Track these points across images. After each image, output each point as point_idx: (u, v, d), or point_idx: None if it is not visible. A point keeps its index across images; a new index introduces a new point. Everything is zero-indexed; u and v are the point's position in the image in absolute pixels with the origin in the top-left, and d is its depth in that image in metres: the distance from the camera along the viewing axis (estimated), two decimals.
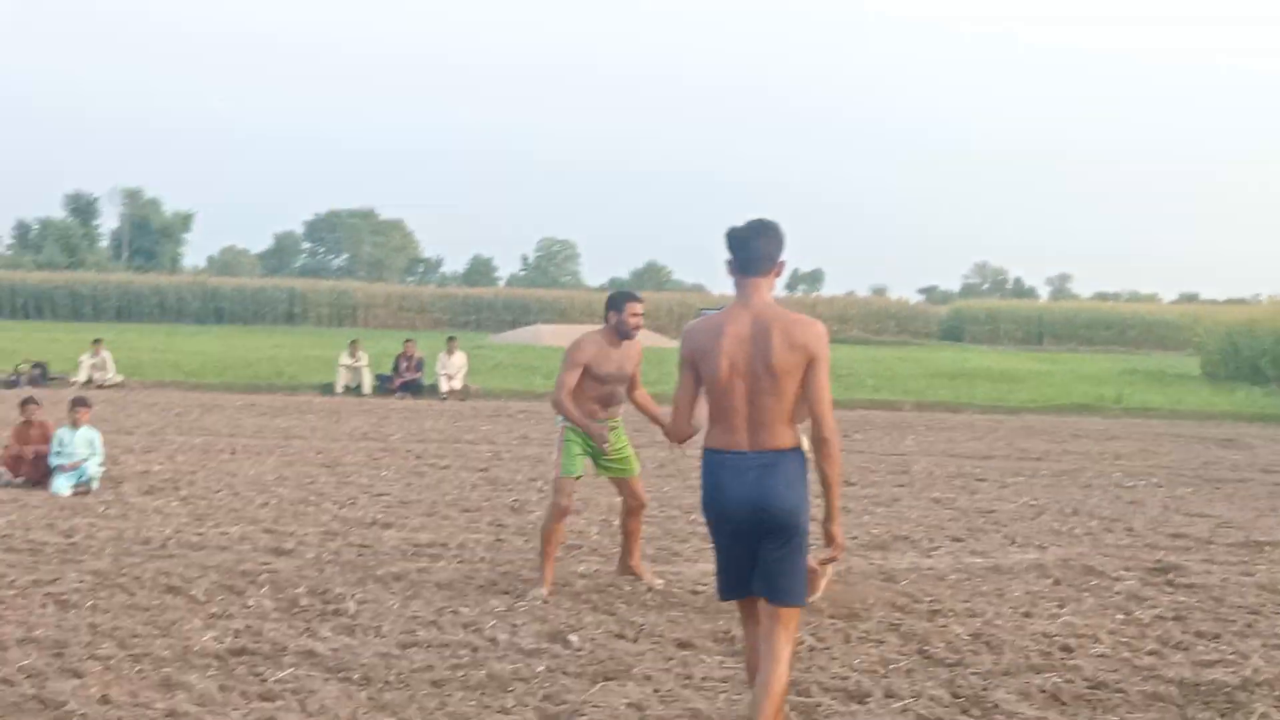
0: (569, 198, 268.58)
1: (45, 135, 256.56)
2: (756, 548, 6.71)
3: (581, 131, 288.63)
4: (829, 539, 6.88)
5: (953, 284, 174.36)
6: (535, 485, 17.66)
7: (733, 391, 6.61)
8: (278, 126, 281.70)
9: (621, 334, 11.33)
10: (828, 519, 6.87)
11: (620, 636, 9.65)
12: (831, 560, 7.22)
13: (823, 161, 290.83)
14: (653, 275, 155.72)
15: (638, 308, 11.41)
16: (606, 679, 8.55)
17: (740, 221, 6.85)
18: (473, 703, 8.02)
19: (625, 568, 11.77)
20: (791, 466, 6.66)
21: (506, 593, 11.06)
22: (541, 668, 8.81)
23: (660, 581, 11.38)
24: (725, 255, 6.85)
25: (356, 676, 8.48)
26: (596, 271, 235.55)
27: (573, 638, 9.60)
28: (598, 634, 9.75)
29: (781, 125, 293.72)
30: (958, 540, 13.89)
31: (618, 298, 11.48)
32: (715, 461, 6.69)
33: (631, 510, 11.66)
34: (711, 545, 6.95)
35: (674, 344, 49.55)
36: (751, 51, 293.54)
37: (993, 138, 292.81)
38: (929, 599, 11.20)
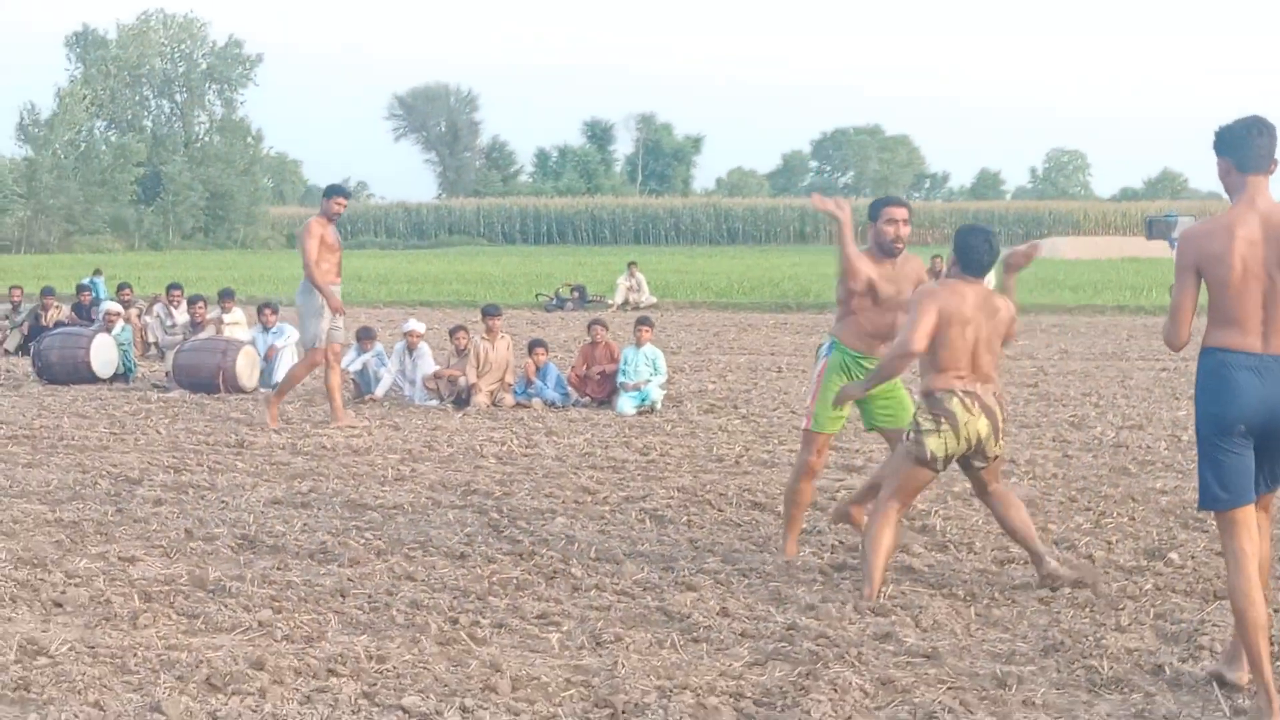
0: (1079, 106, 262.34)
1: (562, 64, 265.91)
2: (1260, 451, 6.49)
3: (1089, 40, 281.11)
4: None
5: None
6: (1089, 400, 17.38)
7: (1246, 294, 6.34)
8: (777, 50, 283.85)
9: (882, 249, 9.33)
10: None
11: (1221, 554, 9.35)
12: None
13: None
14: (1168, 183, 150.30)
15: (898, 213, 9.36)
16: (1218, 598, 8.32)
17: (1231, 121, 6.58)
18: (1086, 620, 7.92)
19: (842, 514, 9.83)
20: None
21: (1089, 509, 10.90)
22: (1149, 585, 8.65)
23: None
24: (1219, 158, 6.58)
25: (961, 593, 8.49)
26: (1107, 182, 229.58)
27: (1173, 555, 9.39)
28: (1197, 551, 9.52)
29: None
30: None
31: (875, 203, 9.48)
32: (1228, 361, 6.40)
33: None
34: (1201, 452, 6.57)
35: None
36: None
37: None
38: None
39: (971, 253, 8.64)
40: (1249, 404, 6.37)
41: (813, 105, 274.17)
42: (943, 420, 8.37)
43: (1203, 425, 6.55)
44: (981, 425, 8.43)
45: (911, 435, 8.52)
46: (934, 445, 8.39)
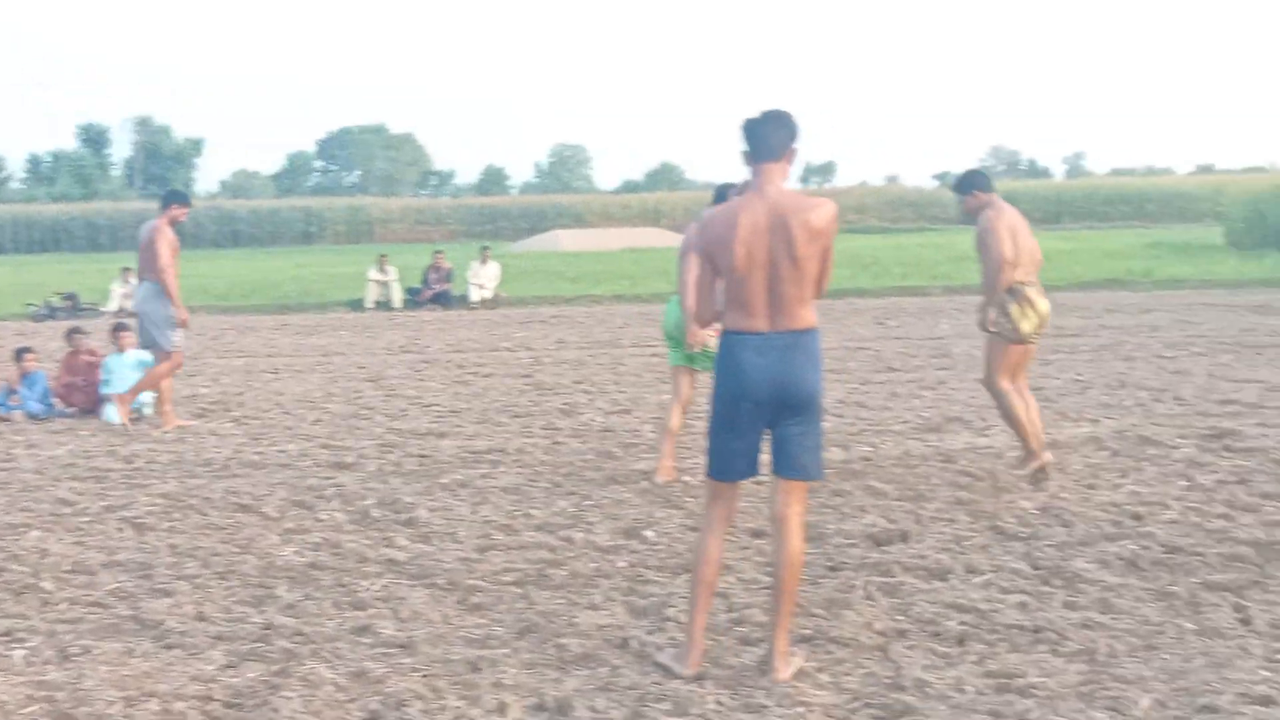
0: (582, 101, 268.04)
1: (54, 67, 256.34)
2: (771, 427, 6.78)
3: (588, 35, 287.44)
4: None
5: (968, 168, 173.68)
6: (580, 388, 17.73)
7: (752, 280, 6.64)
8: (283, 48, 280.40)
9: None
10: None
11: (694, 529, 9.72)
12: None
13: (831, 54, 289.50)
14: (666, 175, 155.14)
15: None
16: (687, 571, 8.60)
17: (753, 113, 6.90)
18: (561, 600, 8.11)
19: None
20: (811, 345, 6.73)
21: (573, 493, 11.14)
22: (623, 563, 8.91)
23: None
24: (740, 147, 6.89)
25: (442, 582, 8.57)
26: (610, 175, 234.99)
27: (648, 533, 9.71)
28: (671, 528, 9.84)
29: (788, 18, 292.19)
30: None
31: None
32: (736, 342, 6.72)
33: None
34: (711, 426, 6.90)
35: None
36: None
37: (1002, 14, 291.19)
38: (991, 477, 11.29)
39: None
40: (754, 382, 6.64)
41: (317, 105, 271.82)
42: (1028, 305, 10.86)
43: (715, 402, 6.84)
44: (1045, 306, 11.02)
45: (1003, 322, 10.89)
46: (1026, 326, 10.89)
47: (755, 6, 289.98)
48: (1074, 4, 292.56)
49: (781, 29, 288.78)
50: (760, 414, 6.73)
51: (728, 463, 6.85)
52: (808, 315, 6.72)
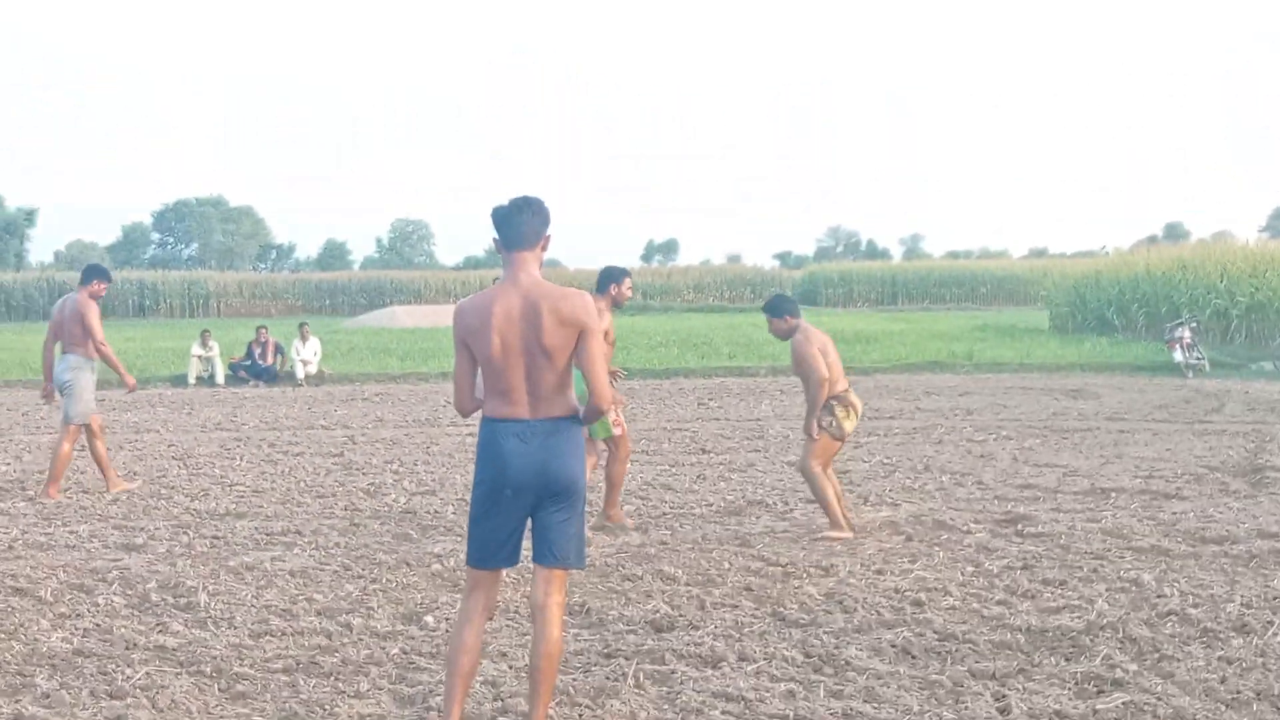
0: (423, 177, 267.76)
1: None
2: (532, 514, 6.80)
3: (429, 109, 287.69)
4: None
5: (807, 248, 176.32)
6: (390, 468, 17.56)
7: (508, 369, 6.68)
8: (120, 117, 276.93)
9: (617, 304, 12.96)
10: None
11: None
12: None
13: (675, 133, 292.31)
14: None
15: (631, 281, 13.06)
16: None
17: (503, 202, 6.93)
18: (326, 689, 7.96)
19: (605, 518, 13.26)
20: (572, 432, 6.80)
21: (361, 577, 10.99)
22: (396, 650, 8.79)
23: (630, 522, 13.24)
24: (492, 235, 6.91)
25: (208, 670, 8.38)
26: (451, 251, 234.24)
27: (428, 618, 9.59)
28: (452, 614, 9.72)
29: (635, 95, 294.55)
30: (811, 502, 13.98)
31: (617, 272, 12.91)
32: (497, 430, 6.74)
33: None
34: (472, 515, 6.91)
35: None
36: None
37: (842, 100, 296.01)
38: (784, 561, 11.32)
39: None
40: (515, 468, 6.65)
41: (153, 177, 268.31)
42: (850, 408, 12.44)
43: (476, 489, 6.83)
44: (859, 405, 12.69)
45: (831, 422, 12.31)
46: (849, 426, 12.47)
47: (607, 85, 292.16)
48: (916, 87, 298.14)
49: (627, 105, 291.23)
50: (521, 501, 6.71)
51: (488, 551, 6.83)
52: (568, 402, 6.76)
